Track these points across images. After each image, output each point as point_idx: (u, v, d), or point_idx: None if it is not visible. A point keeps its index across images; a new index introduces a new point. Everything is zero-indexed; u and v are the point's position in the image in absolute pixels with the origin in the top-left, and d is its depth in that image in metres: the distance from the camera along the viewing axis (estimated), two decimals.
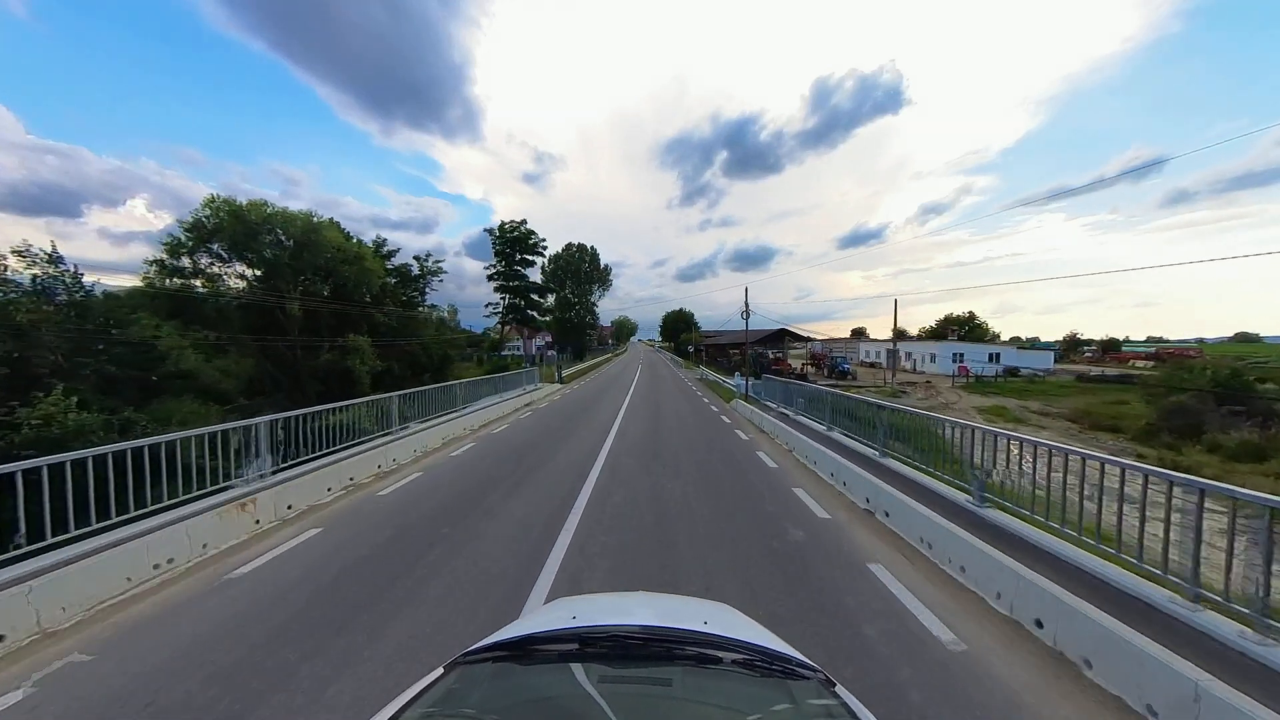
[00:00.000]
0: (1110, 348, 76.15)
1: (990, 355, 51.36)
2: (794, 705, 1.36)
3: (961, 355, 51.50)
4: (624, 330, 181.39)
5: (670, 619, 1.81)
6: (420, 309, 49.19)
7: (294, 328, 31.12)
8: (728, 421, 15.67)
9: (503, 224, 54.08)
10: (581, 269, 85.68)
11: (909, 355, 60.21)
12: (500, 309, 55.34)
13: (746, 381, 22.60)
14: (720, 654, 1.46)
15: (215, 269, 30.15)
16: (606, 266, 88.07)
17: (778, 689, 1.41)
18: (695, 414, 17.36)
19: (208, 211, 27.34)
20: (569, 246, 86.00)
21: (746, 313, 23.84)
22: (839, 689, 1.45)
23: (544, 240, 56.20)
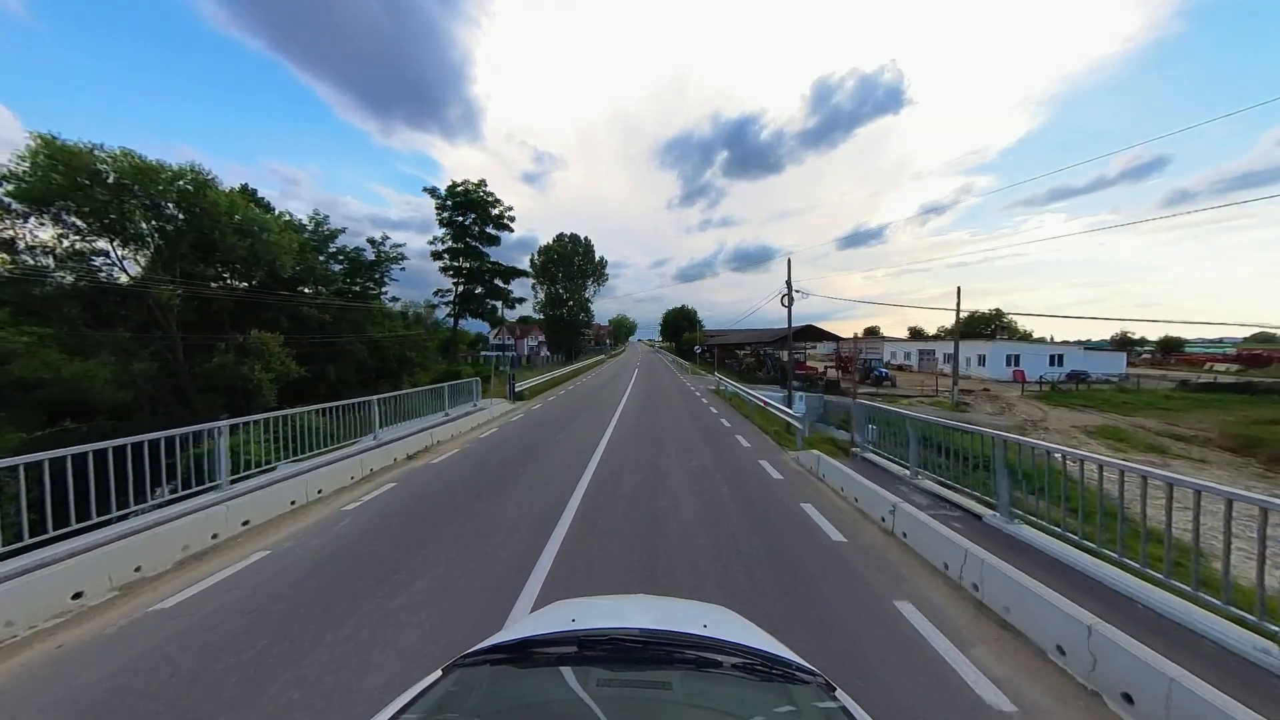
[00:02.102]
0: (1171, 348, 68.12)
1: (1052, 357, 43.46)
2: (794, 709, 1.37)
3: (1017, 358, 43.64)
4: (622, 329, 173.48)
5: (670, 622, 1.81)
6: (379, 301, 41.29)
7: (171, 321, 23.29)
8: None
9: (452, 185, 39.18)
10: (574, 262, 77.87)
11: (947, 357, 52.35)
12: (453, 299, 41.74)
13: (793, 400, 14.93)
14: (720, 658, 1.44)
15: (68, 242, 22.37)
16: (602, 259, 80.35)
17: (778, 693, 1.42)
18: (758, 521, 6.40)
19: (31, 163, 19.36)
20: (560, 237, 78.25)
21: (790, 297, 16.01)
22: (839, 693, 1.43)
23: (510, 210, 41.73)
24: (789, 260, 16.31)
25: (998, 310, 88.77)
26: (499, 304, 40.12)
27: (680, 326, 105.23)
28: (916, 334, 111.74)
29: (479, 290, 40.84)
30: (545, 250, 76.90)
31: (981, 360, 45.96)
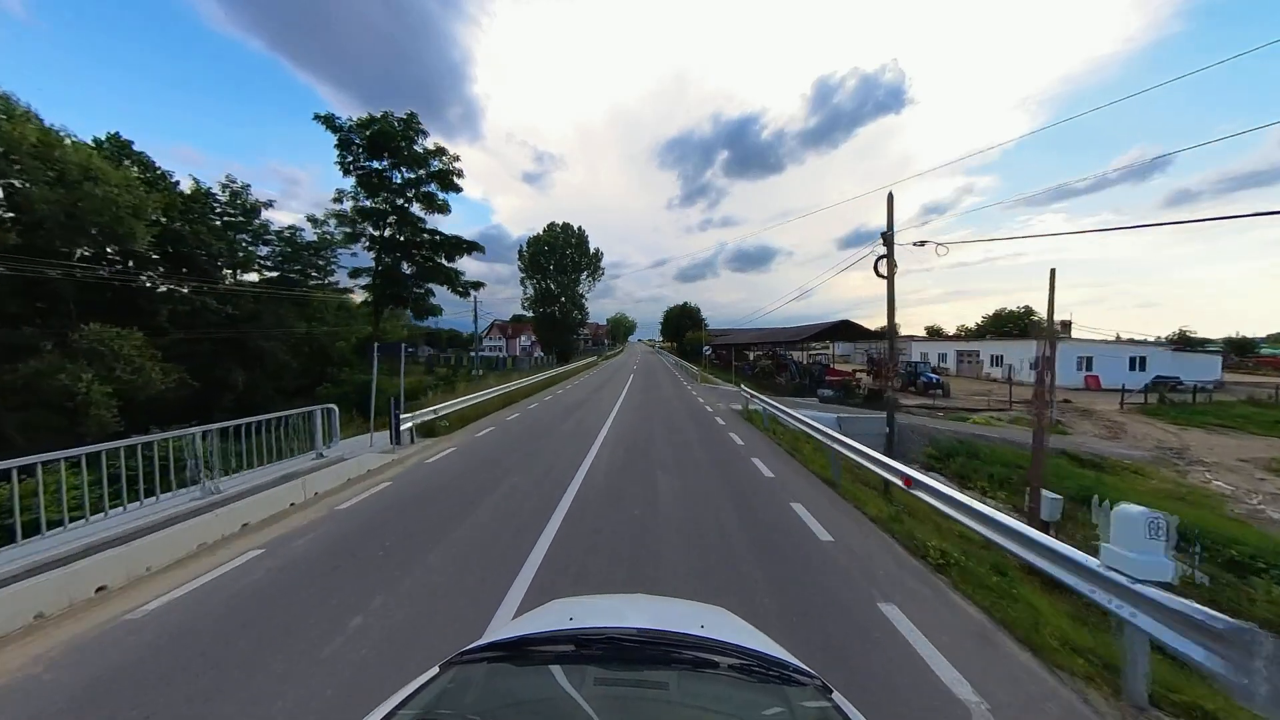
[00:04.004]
0: (1244, 349, 60.55)
1: (1132, 360, 36.22)
2: (789, 710, 1.36)
3: (1089, 360, 36.43)
4: (620, 329, 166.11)
5: (667, 622, 1.79)
6: (321, 290, 34.04)
7: None
8: None
9: (368, 118, 26.04)
10: (566, 254, 70.71)
11: (994, 359, 45.12)
12: (372, 280, 28.83)
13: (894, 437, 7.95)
14: (717, 658, 1.42)
15: None
16: (597, 251, 73.22)
17: (774, 694, 1.41)
18: None
19: None
20: (551, 226, 71.06)
21: (890, 260, 8.77)
22: (835, 695, 1.41)
23: (457, 163, 28.59)
24: (889, 198, 9.17)
25: (1027, 308, 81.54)
26: (441, 289, 29.94)
27: (682, 326, 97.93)
28: (935, 333, 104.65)
29: (409, 269, 28.83)
30: (534, 241, 69.80)
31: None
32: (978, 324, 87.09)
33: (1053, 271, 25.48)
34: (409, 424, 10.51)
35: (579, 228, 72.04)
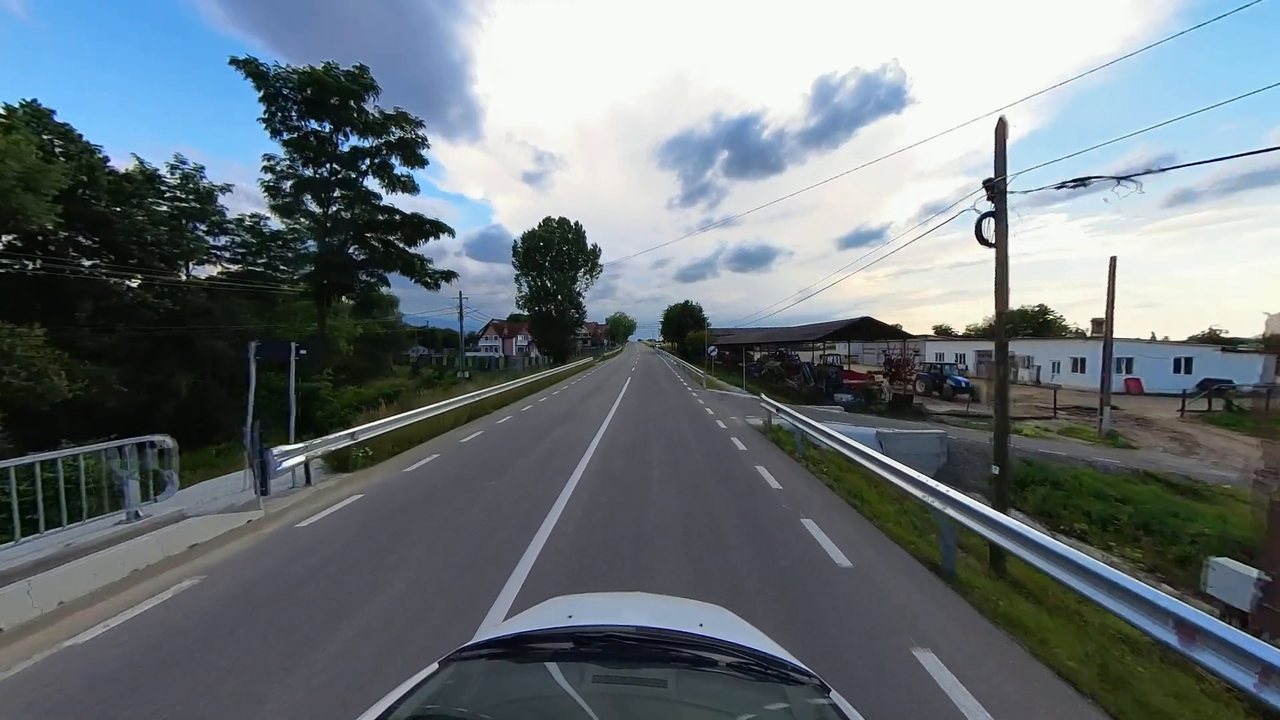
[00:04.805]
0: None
1: (1177, 361, 33.01)
2: (788, 709, 1.35)
3: (1129, 362, 33.23)
4: (620, 328, 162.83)
5: (666, 620, 1.76)
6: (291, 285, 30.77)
7: None
8: None
9: (306, 69, 22.12)
10: (562, 250, 67.49)
11: (1025, 361, 41.97)
12: (314, 267, 24.78)
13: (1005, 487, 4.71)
14: (715, 656, 1.43)
15: None
16: (595, 247, 69.90)
17: (772, 693, 1.40)
18: None
19: None
20: (547, 221, 67.90)
21: (1000, 188, 5.69)
22: (833, 694, 1.41)
23: (421, 130, 24.57)
24: (1000, 125, 6.02)
25: (1042, 306, 78.29)
26: (402, 279, 25.52)
27: (683, 325, 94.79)
28: (943, 333, 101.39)
29: (361, 255, 23.70)
30: (529, 237, 66.60)
31: (1079, 365, 35.40)
32: (988, 323, 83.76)
33: (1113, 260, 22.38)
34: (301, 458, 7.33)
35: (575, 222, 68.85)
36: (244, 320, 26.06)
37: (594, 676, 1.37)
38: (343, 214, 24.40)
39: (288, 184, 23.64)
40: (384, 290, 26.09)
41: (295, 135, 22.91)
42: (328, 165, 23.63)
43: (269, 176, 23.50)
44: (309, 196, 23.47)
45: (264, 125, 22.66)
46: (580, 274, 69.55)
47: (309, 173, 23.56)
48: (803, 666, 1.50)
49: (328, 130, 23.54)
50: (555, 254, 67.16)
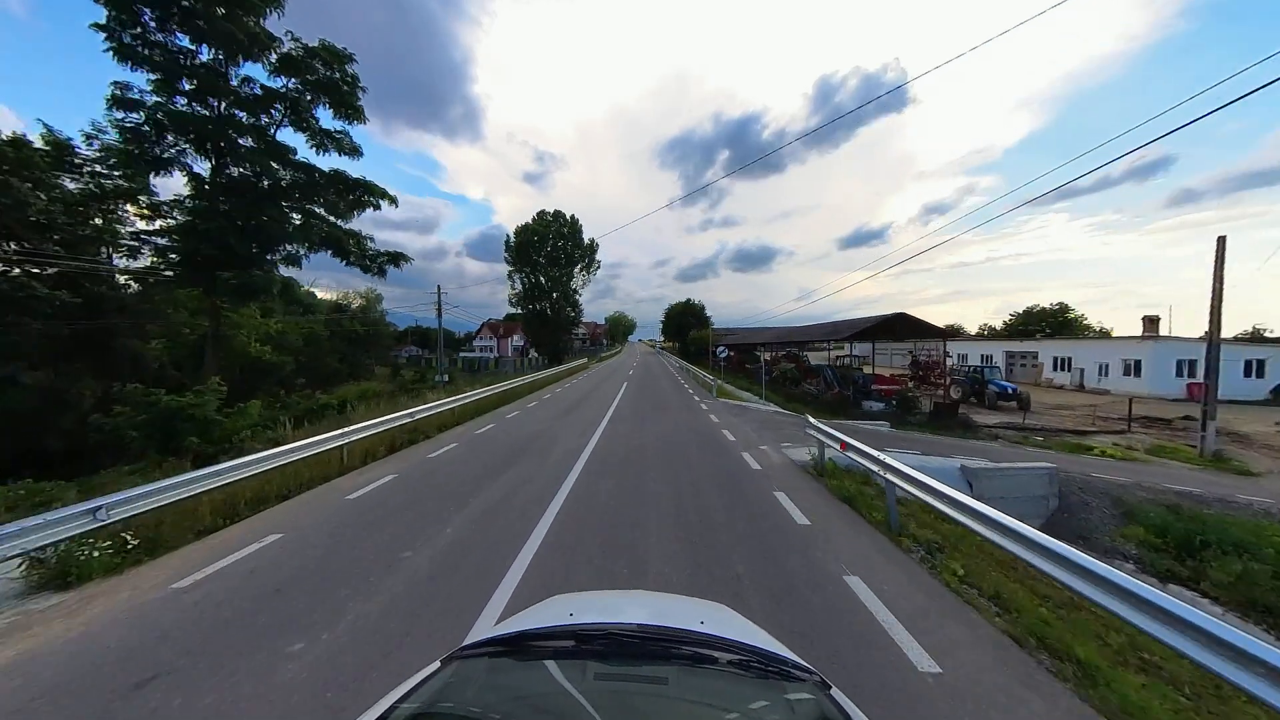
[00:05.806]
0: None
1: (1249, 364, 29.13)
2: (788, 706, 1.35)
3: (1192, 364, 29.35)
4: (620, 328, 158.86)
5: (667, 618, 1.77)
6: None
7: None
8: None
9: None
10: (557, 245, 63.61)
11: (1059, 362, 38.11)
12: (183, 236, 18.73)
13: None
14: (716, 654, 1.42)
15: None
16: (592, 242, 65.99)
17: (773, 690, 1.40)
18: None
19: None
20: (541, 214, 64.02)
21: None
22: (834, 691, 1.40)
23: (353, 64, 18.98)
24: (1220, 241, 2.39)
25: (1062, 304, 74.07)
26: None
27: (685, 324, 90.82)
28: (955, 332, 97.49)
29: (252, 222, 17.84)
30: (522, 231, 62.80)
31: (1132, 368, 31.47)
32: (1005, 322, 79.61)
33: (1221, 240, 18.33)
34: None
35: (571, 215, 64.97)
36: (170, 317, 22.19)
37: (595, 674, 1.38)
38: (238, 171, 18.54)
39: (132, 115, 17.21)
40: (287, 273, 20.30)
41: (163, 58, 16.54)
42: (219, 105, 17.78)
43: (133, 116, 16.67)
44: (190, 148, 17.67)
45: (106, 41, 16.17)
46: (577, 270, 65.76)
47: (181, 104, 17.27)
48: (803, 664, 1.50)
49: (210, 56, 17.72)
50: (550, 249, 63.37)
